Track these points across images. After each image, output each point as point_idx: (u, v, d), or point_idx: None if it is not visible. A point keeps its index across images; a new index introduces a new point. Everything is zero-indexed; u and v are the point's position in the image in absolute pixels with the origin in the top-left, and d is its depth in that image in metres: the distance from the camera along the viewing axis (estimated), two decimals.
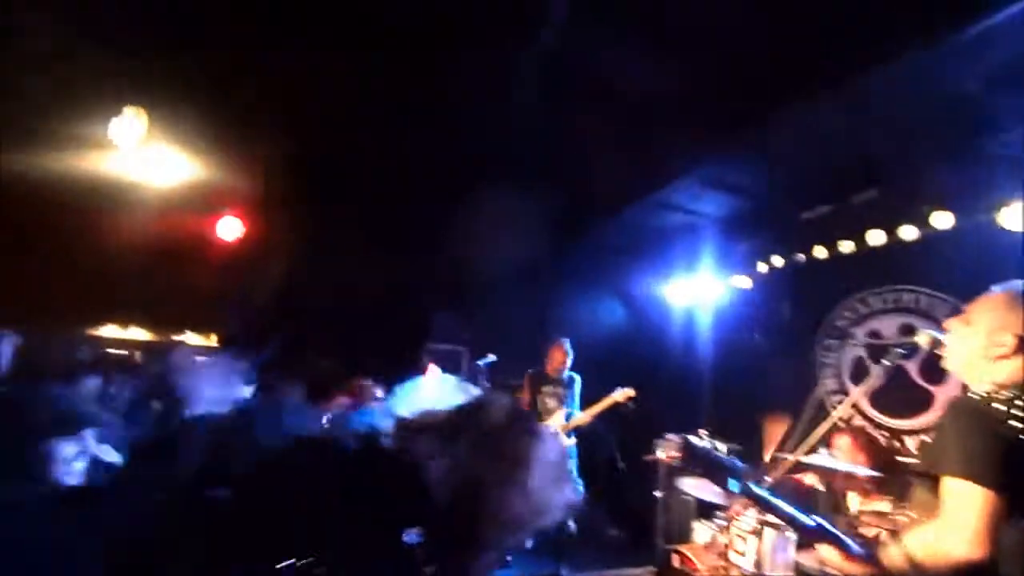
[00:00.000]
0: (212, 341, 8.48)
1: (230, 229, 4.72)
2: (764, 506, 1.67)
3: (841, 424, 4.42)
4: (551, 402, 4.86)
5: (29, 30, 2.54)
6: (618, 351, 5.82)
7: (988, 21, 2.35)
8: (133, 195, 3.65)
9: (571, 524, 4.44)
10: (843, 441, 3.50)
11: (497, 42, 3.01)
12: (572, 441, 4.79)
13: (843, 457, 3.43)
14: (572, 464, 4.74)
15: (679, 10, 2.79)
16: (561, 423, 4.76)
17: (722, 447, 3.50)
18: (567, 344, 4.90)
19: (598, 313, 6.10)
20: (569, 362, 4.87)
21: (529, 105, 3.49)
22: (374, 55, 3.31)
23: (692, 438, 2.43)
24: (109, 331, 8.70)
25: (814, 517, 1.66)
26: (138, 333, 8.86)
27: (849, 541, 1.58)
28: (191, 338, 8.44)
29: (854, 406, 4.46)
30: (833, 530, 1.62)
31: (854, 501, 3.07)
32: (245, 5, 2.92)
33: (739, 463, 1.53)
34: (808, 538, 1.82)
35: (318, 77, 3.35)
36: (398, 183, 4.77)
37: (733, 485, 1.54)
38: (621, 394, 4.64)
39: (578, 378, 4.98)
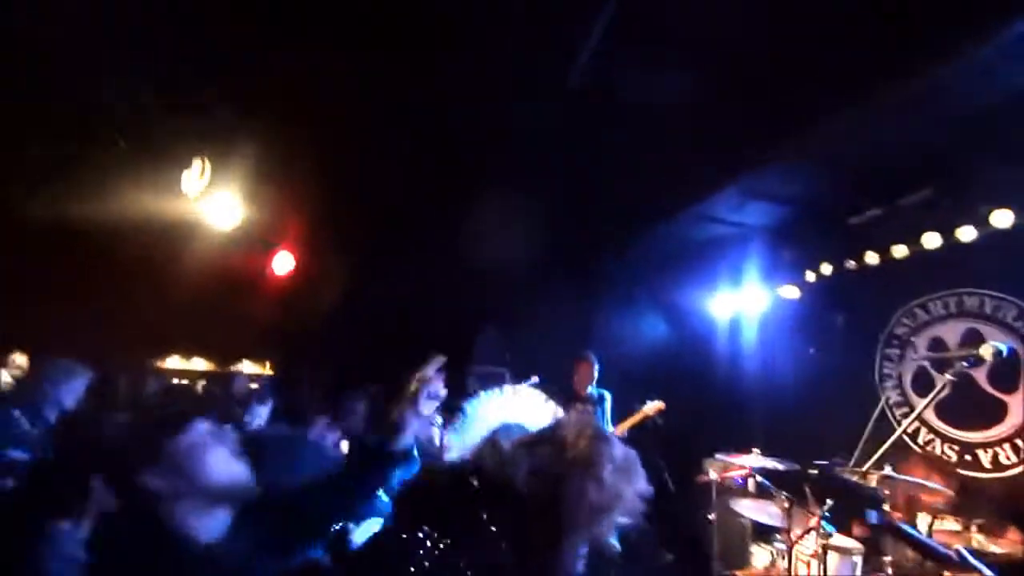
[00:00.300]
0: (266, 369, 8.90)
1: (283, 263, 4.99)
2: (904, 538, 1.61)
3: (906, 438, 4.20)
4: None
5: (113, 98, 2.84)
6: (662, 366, 5.72)
7: None
8: (200, 237, 3.95)
9: (615, 545, 4.36)
10: (915, 467, 3.31)
11: (536, 57, 3.08)
12: None
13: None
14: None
15: (715, 18, 2.79)
16: None
17: (777, 465, 3.38)
18: (592, 358, 4.82)
19: (641, 328, 6.03)
20: (596, 376, 4.78)
21: (570, 123, 3.56)
22: (407, 82, 3.46)
23: (821, 464, 2.37)
24: (173, 362, 9.26)
25: (957, 548, 1.58)
26: (199, 363, 9.39)
27: (988, 571, 1.50)
28: (247, 366, 8.89)
29: (921, 419, 4.24)
30: (975, 561, 1.54)
31: (923, 522, 2.91)
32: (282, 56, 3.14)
33: (879, 493, 1.50)
34: (950, 569, 1.73)
35: (358, 111, 3.54)
36: (438, 209, 4.92)
37: (871, 516, 1.50)
38: (651, 407, 4.55)
39: (608, 395, 4.90)
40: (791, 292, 5.15)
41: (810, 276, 4.94)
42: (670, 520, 5.00)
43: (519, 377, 4.90)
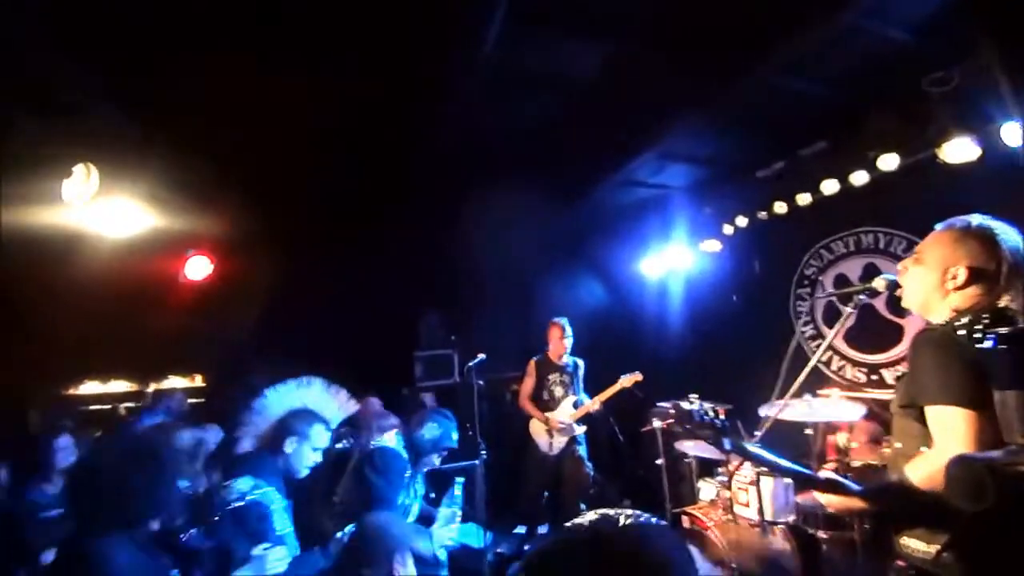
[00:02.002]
0: (196, 382, 8.34)
1: (198, 268, 4.64)
2: (757, 461, 1.78)
3: (821, 366, 4.64)
4: (558, 390, 4.87)
5: None
6: (604, 330, 5.94)
7: None
8: (95, 248, 3.57)
9: (582, 506, 4.56)
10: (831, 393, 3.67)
11: (447, 35, 3.00)
12: (583, 429, 4.84)
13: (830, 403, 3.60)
14: (583, 450, 4.85)
15: None
16: (571, 411, 4.79)
17: (713, 408, 3.63)
18: (564, 322, 4.91)
19: (581, 296, 6.20)
20: (569, 343, 4.88)
21: (490, 101, 3.52)
22: (328, 64, 3.28)
23: (681, 403, 2.54)
24: (90, 388, 8.48)
25: (826, 473, 1.76)
26: (120, 385, 8.65)
27: (844, 480, 1.69)
28: (174, 382, 8.29)
29: (832, 347, 4.69)
30: (826, 474, 1.73)
31: (841, 438, 3.25)
32: (189, 38, 2.87)
33: (725, 421, 1.61)
34: (804, 486, 1.91)
35: (274, 93, 3.31)
36: (369, 187, 4.74)
37: (726, 444, 1.63)
38: (629, 379, 4.68)
39: (582, 363, 5.03)
40: (713, 246, 5.47)
41: (728, 229, 5.27)
42: (625, 470, 5.30)
43: (466, 357, 4.94)
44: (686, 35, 3.08)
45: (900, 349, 4.36)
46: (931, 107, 3.58)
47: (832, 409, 3.34)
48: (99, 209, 3.17)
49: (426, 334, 5.88)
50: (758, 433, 2.22)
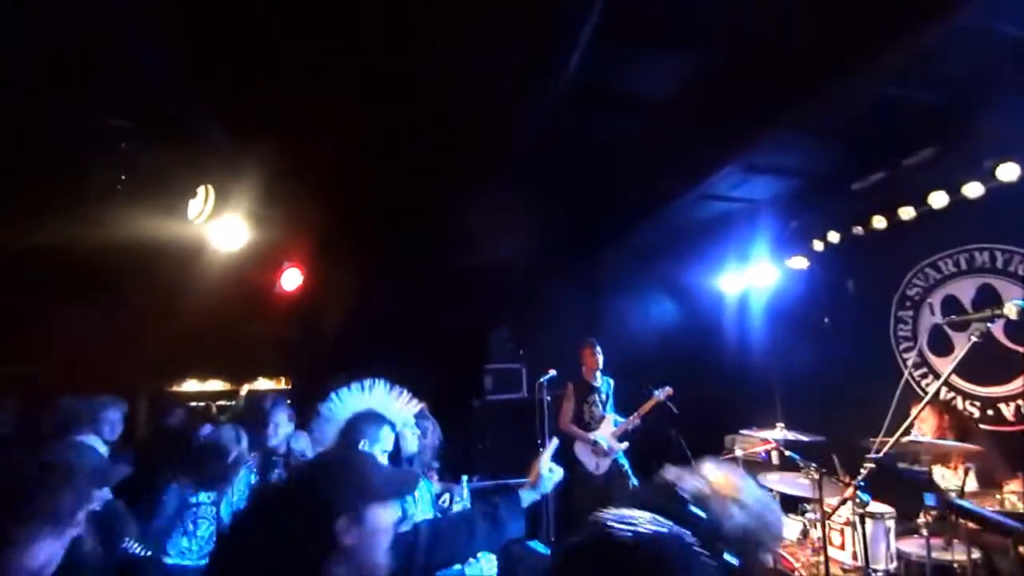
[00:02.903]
0: (282, 384, 8.97)
1: (291, 279, 5.01)
2: (967, 515, 1.63)
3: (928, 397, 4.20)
4: (596, 410, 4.91)
5: (118, 131, 2.87)
6: (675, 349, 5.74)
7: None
8: (207, 261, 3.98)
9: None
10: (927, 419, 3.32)
11: (528, 56, 3.07)
12: (625, 445, 4.82)
13: (928, 434, 3.27)
14: (628, 466, 4.77)
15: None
16: (612, 430, 4.81)
17: (803, 439, 3.39)
18: (595, 343, 4.94)
19: (651, 313, 6.04)
20: (600, 362, 4.91)
21: (566, 117, 3.55)
22: (402, 100, 3.47)
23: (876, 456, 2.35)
24: (190, 386, 9.34)
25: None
26: (215, 384, 9.47)
27: None
28: (262, 383, 8.97)
29: (938, 376, 4.24)
30: None
31: (950, 477, 2.93)
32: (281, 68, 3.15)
33: (928, 476, 1.52)
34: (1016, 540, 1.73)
35: (358, 116, 3.54)
36: (443, 214, 4.92)
37: (929, 499, 1.53)
38: (662, 393, 4.68)
39: (611, 380, 5.04)
40: (800, 263, 5.14)
41: (818, 245, 4.93)
42: None
43: (535, 372, 4.95)
44: (775, 41, 2.95)
45: (1021, 381, 3.87)
46: None
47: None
48: (214, 226, 3.53)
49: (496, 348, 5.96)
50: (863, 471, 2.04)
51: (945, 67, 3.08)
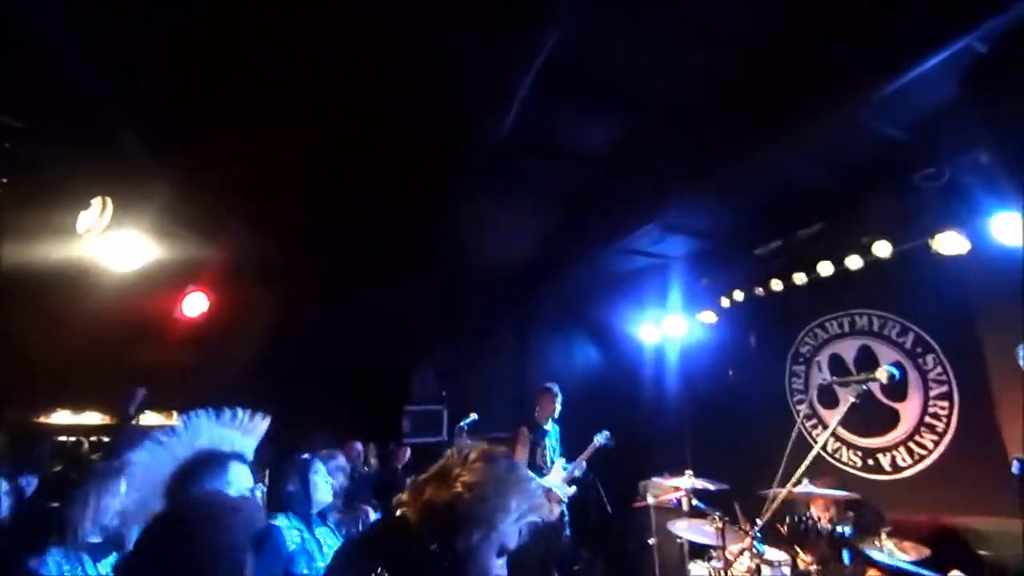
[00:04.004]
0: (172, 419, 8.07)
1: (195, 305, 4.60)
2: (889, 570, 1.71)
3: (824, 454, 4.56)
4: (549, 456, 4.91)
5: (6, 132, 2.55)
6: (596, 393, 5.87)
7: (905, 77, 2.66)
8: (97, 280, 3.56)
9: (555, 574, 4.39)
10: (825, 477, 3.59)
11: (464, 108, 3.14)
12: (572, 490, 4.82)
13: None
14: (566, 514, 4.75)
15: (633, 70, 3.00)
16: (562, 474, 4.79)
17: (708, 486, 3.54)
18: (555, 389, 4.98)
19: (575, 360, 6.17)
20: (558, 408, 4.94)
21: (500, 168, 3.64)
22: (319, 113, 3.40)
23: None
24: (61, 417, 8.17)
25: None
26: (92, 417, 8.35)
27: None
28: (149, 418, 8.02)
29: (826, 428, 4.64)
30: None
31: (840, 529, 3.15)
32: (197, 85, 2.99)
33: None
34: None
35: (281, 137, 3.41)
36: (371, 237, 4.80)
37: (847, 556, 1.61)
38: (603, 437, 4.78)
39: (557, 426, 5.06)
40: (709, 317, 5.51)
41: (725, 302, 5.33)
42: (614, 546, 5.08)
43: (456, 415, 4.84)
44: (693, 114, 3.24)
45: (896, 434, 4.32)
46: (924, 199, 3.74)
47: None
48: (109, 241, 3.19)
49: (419, 388, 5.78)
50: (760, 521, 2.15)
51: (835, 154, 3.54)
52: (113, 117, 2.77)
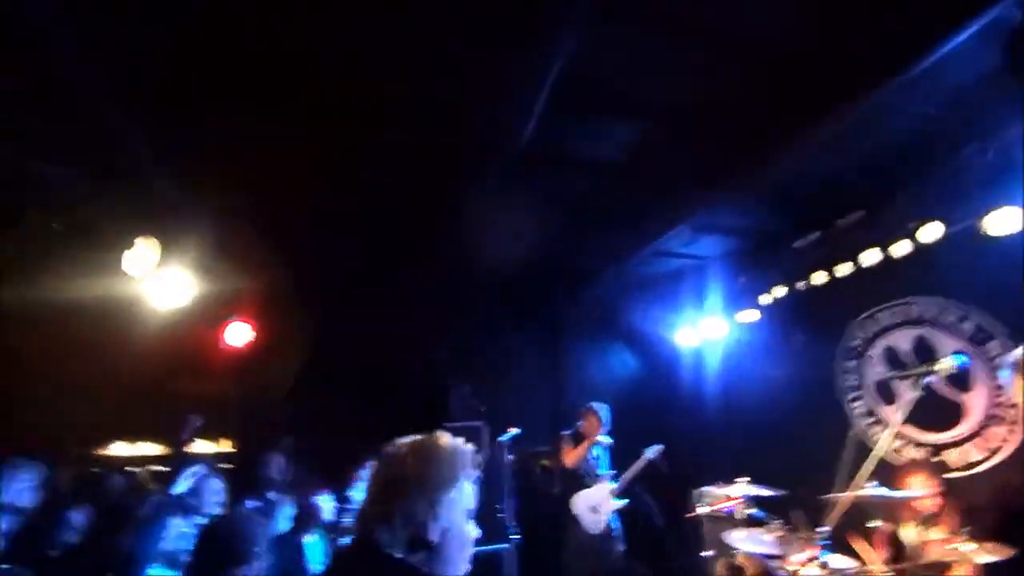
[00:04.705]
0: (223, 447, 8.32)
1: (239, 335, 4.75)
2: None
3: (887, 456, 4.29)
4: (592, 466, 4.82)
5: (53, 178, 2.71)
6: (635, 403, 5.73)
7: (938, 53, 2.54)
8: (145, 317, 3.73)
9: None
10: (914, 480, 3.35)
11: (485, 121, 3.15)
12: (621, 504, 4.73)
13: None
14: (618, 529, 4.65)
15: (655, 69, 2.95)
16: (610, 486, 4.71)
17: (767, 493, 3.38)
18: (599, 408, 4.88)
19: (612, 368, 6.06)
20: (606, 424, 4.85)
21: (525, 179, 3.63)
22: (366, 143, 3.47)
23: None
24: (119, 448, 8.53)
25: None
26: (148, 448, 8.68)
27: None
28: (200, 446, 8.27)
29: (887, 426, 4.38)
30: None
31: (910, 532, 2.96)
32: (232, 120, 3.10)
33: None
34: None
35: (309, 177, 3.50)
36: (400, 269, 4.87)
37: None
38: (653, 451, 4.65)
39: (610, 440, 4.96)
40: (750, 316, 5.33)
41: (765, 299, 5.14)
42: (667, 559, 4.92)
43: (496, 429, 4.81)
44: (717, 111, 3.17)
45: (964, 428, 4.04)
46: (971, 177, 3.54)
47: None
48: (154, 278, 3.33)
49: (456, 404, 5.77)
50: (823, 529, 2.02)
51: (871, 140, 3.40)
52: (149, 158, 2.90)
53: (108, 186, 2.97)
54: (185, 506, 3.17)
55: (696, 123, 3.27)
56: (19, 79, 2.54)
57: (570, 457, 4.77)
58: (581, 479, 4.72)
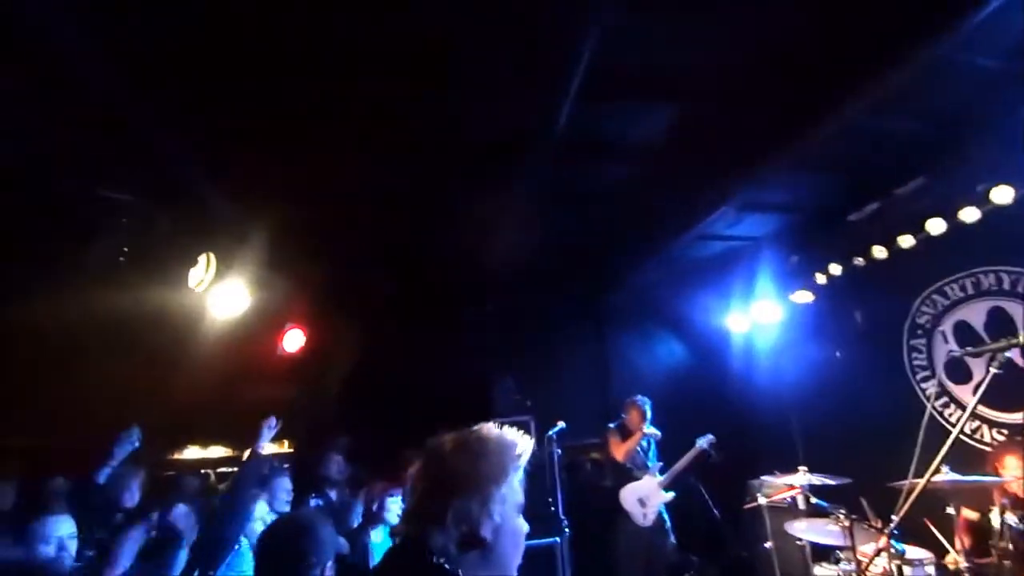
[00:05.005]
0: (284, 447, 8.73)
1: (293, 341, 4.96)
2: None
3: (950, 428, 4.03)
4: (640, 459, 4.78)
5: (120, 205, 2.93)
6: (685, 391, 5.60)
7: (993, 4, 2.32)
8: (209, 328, 3.97)
9: None
10: (1011, 460, 3.13)
11: (521, 110, 3.14)
12: (670, 496, 4.65)
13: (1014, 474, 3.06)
14: (668, 521, 4.57)
15: (691, 44, 2.84)
16: (658, 479, 4.64)
17: (828, 482, 3.23)
18: (642, 402, 4.83)
19: (658, 357, 5.93)
20: (648, 419, 4.79)
21: (563, 167, 3.60)
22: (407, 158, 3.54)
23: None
24: (191, 452, 9.11)
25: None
26: (217, 451, 9.23)
27: None
28: (265, 447, 8.71)
29: (962, 406, 4.10)
30: None
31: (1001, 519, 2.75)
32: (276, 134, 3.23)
33: None
34: None
35: (357, 178, 3.59)
36: (445, 268, 4.93)
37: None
38: (705, 441, 4.56)
39: (658, 432, 4.89)
40: (805, 297, 5.08)
41: (821, 279, 4.89)
42: (726, 551, 4.79)
43: (544, 423, 4.80)
44: (760, 81, 3.02)
45: None
46: None
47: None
48: (215, 292, 3.55)
49: (502, 399, 5.79)
50: (895, 517, 1.91)
51: (929, 99, 3.15)
52: (198, 178, 3.06)
53: (170, 211, 3.17)
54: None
55: (736, 95, 3.12)
56: (84, 113, 2.74)
57: (619, 450, 4.72)
58: (630, 472, 4.68)
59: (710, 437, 4.56)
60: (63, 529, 2.60)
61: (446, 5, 2.48)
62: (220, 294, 3.62)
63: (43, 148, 2.89)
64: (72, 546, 2.61)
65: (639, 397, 4.83)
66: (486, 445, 1.23)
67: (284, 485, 3.60)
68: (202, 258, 3.37)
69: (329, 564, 2.20)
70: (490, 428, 1.28)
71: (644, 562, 4.54)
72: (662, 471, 4.66)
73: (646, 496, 4.55)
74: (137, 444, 3.35)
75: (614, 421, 4.91)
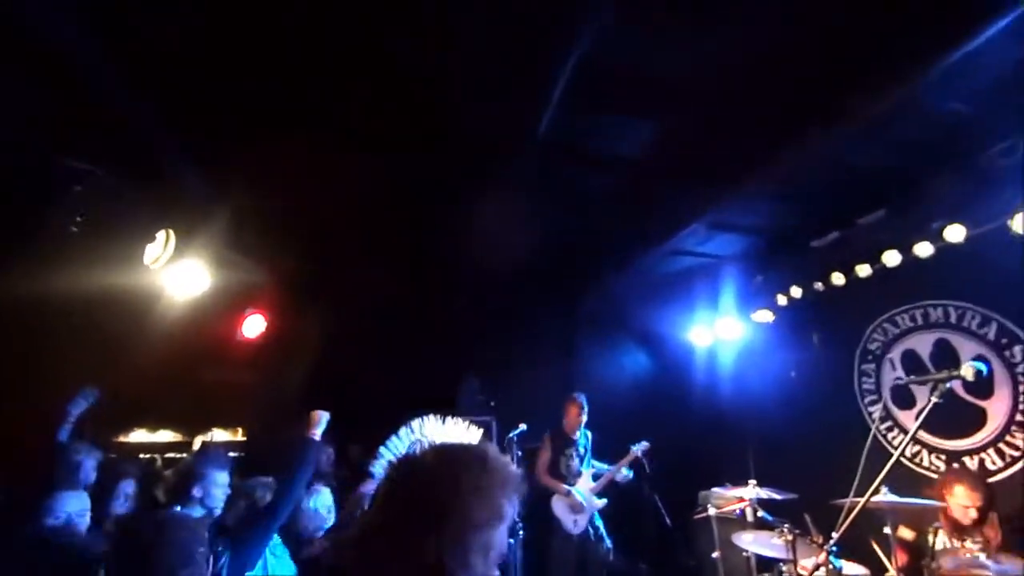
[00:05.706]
0: (238, 435, 8.48)
1: (254, 327, 4.83)
2: None
3: (892, 451, 4.21)
4: (575, 464, 4.78)
5: (77, 172, 2.78)
6: (647, 401, 5.70)
7: (967, 47, 2.45)
8: (164, 308, 3.81)
9: None
10: (959, 489, 3.27)
11: (502, 114, 3.14)
12: (603, 502, 4.68)
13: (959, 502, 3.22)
14: (603, 527, 4.61)
15: (672, 65, 2.90)
16: (590, 484, 4.67)
17: (775, 497, 3.34)
18: (582, 399, 4.85)
19: (624, 365, 6.01)
20: (585, 417, 4.80)
21: (539, 173, 3.62)
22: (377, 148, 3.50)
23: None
24: (138, 436, 8.74)
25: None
26: (165, 435, 8.89)
27: None
28: (218, 434, 8.44)
29: (904, 431, 4.30)
30: None
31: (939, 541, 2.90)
32: (250, 119, 3.14)
33: None
34: None
35: (329, 164, 3.53)
36: (411, 261, 4.88)
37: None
38: (639, 449, 4.62)
39: (590, 433, 4.92)
40: (766, 316, 5.24)
41: (782, 300, 5.05)
42: (674, 561, 4.88)
43: (506, 425, 4.81)
44: (733, 105, 3.11)
45: (984, 435, 3.94)
46: (998, 177, 3.43)
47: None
48: (173, 271, 3.41)
49: (466, 399, 5.78)
50: (836, 534, 1.98)
51: (895, 135, 3.30)
52: (169, 152, 2.95)
53: (129, 182, 3.03)
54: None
55: (713, 119, 3.21)
56: (42, 70, 2.60)
57: (542, 470, 4.70)
58: (563, 479, 4.66)
59: (644, 444, 4.61)
60: (72, 505, 2.57)
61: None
62: (178, 273, 3.46)
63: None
64: (83, 522, 2.58)
65: (577, 393, 4.85)
66: (493, 476, 0.99)
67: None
68: (160, 234, 3.22)
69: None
70: (491, 449, 1.05)
71: (576, 569, 4.54)
72: (596, 477, 4.69)
73: (578, 503, 4.56)
74: (92, 400, 3.20)
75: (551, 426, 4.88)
